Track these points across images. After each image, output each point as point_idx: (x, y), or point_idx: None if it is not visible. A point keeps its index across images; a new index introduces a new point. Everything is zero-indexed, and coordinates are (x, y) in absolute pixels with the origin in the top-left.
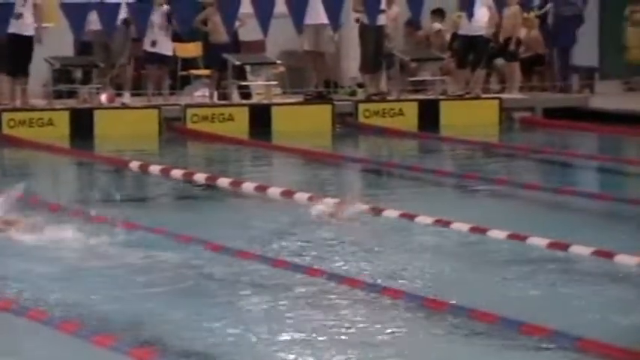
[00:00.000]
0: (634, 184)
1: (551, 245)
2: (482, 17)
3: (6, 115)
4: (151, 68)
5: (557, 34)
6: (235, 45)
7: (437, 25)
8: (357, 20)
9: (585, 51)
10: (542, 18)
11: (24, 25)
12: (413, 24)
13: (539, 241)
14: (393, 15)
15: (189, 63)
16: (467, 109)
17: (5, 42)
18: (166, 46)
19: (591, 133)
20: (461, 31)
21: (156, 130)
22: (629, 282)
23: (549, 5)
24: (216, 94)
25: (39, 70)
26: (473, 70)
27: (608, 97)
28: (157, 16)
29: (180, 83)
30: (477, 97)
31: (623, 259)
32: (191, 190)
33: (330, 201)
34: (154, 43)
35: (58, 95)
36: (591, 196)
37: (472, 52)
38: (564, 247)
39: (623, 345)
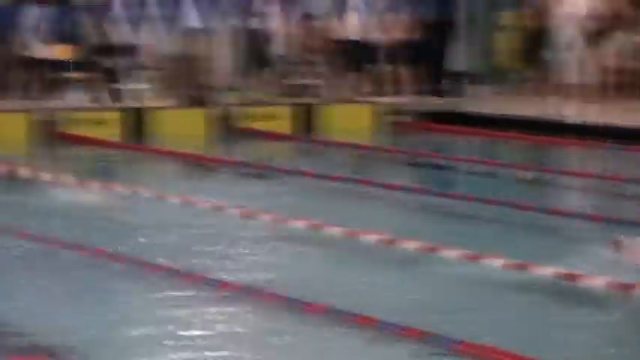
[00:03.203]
0: (502, 187)
1: (421, 248)
2: (355, 22)
3: None
4: (21, 71)
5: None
6: (109, 48)
7: (321, 25)
8: None
9: (455, 56)
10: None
11: None
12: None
13: (409, 244)
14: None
15: (61, 66)
16: (342, 112)
17: None
18: (38, 49)
19: (462, 137)
20: (336, 36)
21: (26, 134)
22: (495, 284)
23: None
24: (88, 97)
25: None
26: (347, 74)
27: (477, 101)
28: (28, 19)
29: (53, 87)
30: (352, 101)
31: (489, 262)
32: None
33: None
34: (24, 46)
35: None
36: (461, 199)
37: (346, 57)
38: (434, 250)
39: (496, 346)
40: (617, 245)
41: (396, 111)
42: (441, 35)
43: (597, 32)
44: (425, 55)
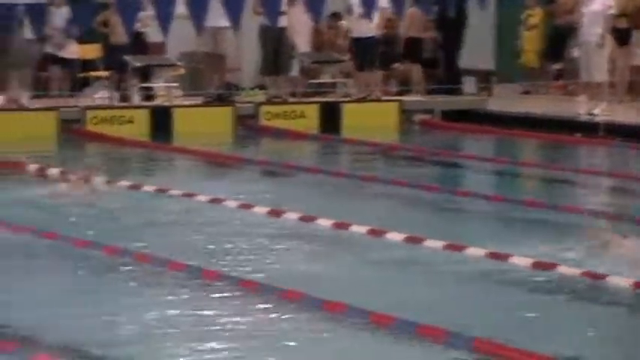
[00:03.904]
0: (528, 186)
1: (447, 247)
2: (379, 20)
3: None
4: (53, 70)
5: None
6: (142, 46)
7: (345, 24)
8: None
9: (482, 54)
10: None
11: None
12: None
13: (435, 244)
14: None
15: (88, 64)
16: (368, 111)
17: None
18: (69, 49)
19: (488, 136)
20: (354, 34)
21: (54, 132)
22: (521, 283)
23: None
24: (117, 95)
25: None
26: (369, 71)
27: (505, 99)
28: (57, 18)
29: (80, 85)
30: (378, 100)
31: (517, 261)
32: None
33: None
34: (56, 45)
35: None
36: (486, 198)
37: (366, 54)
38: (460, 249)
39: (514, 345)
40: (620, 240)
41: (422, 109)
42: (457, 32)
43: (626, 30)
44: (446, 53)
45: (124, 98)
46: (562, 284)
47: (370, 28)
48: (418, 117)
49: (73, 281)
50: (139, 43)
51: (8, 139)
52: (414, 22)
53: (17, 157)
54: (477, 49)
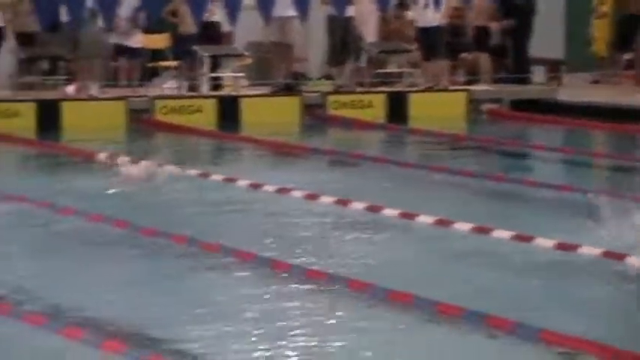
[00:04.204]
0: (598, 176)
1: (515, 238)
2: (439, 8)
3: None
4: (122, 61)
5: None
6: (212, 36)
7: (410, 14)
8: None
9: (551, 43)
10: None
11: None
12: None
13: (503, 234)
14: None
15: (157, 54)
16: (435, 101)
17: None
18: (134, 38)
19: (558, 126)
20: (420, 24)
21: (123, 122)
22: (589, 274)
23: None
24: (185, 85)
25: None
26: (436, 61)
27: (574, 89)
28: (124, 7)
29: (149, 75)
30: (445, 89)
31: (586, 251)
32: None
33: (141, 164)
34: (124, 36)
35: (26, 86)
36: (555, 188)
37: (432, 44)
38: (528, 239)
39: (583, 336)
40: None
41: (490, 99)
42: (526, 20)
43: None
44: (515, 41)
45: (192, 88)
46: (631, 275)
47: (436, 17)
48: (486, 107)
49: (140, 270)
50: (208, 33)
51: (79, 129)
52: (481, 11)
53: (87, 146)
54: (547, 37)
